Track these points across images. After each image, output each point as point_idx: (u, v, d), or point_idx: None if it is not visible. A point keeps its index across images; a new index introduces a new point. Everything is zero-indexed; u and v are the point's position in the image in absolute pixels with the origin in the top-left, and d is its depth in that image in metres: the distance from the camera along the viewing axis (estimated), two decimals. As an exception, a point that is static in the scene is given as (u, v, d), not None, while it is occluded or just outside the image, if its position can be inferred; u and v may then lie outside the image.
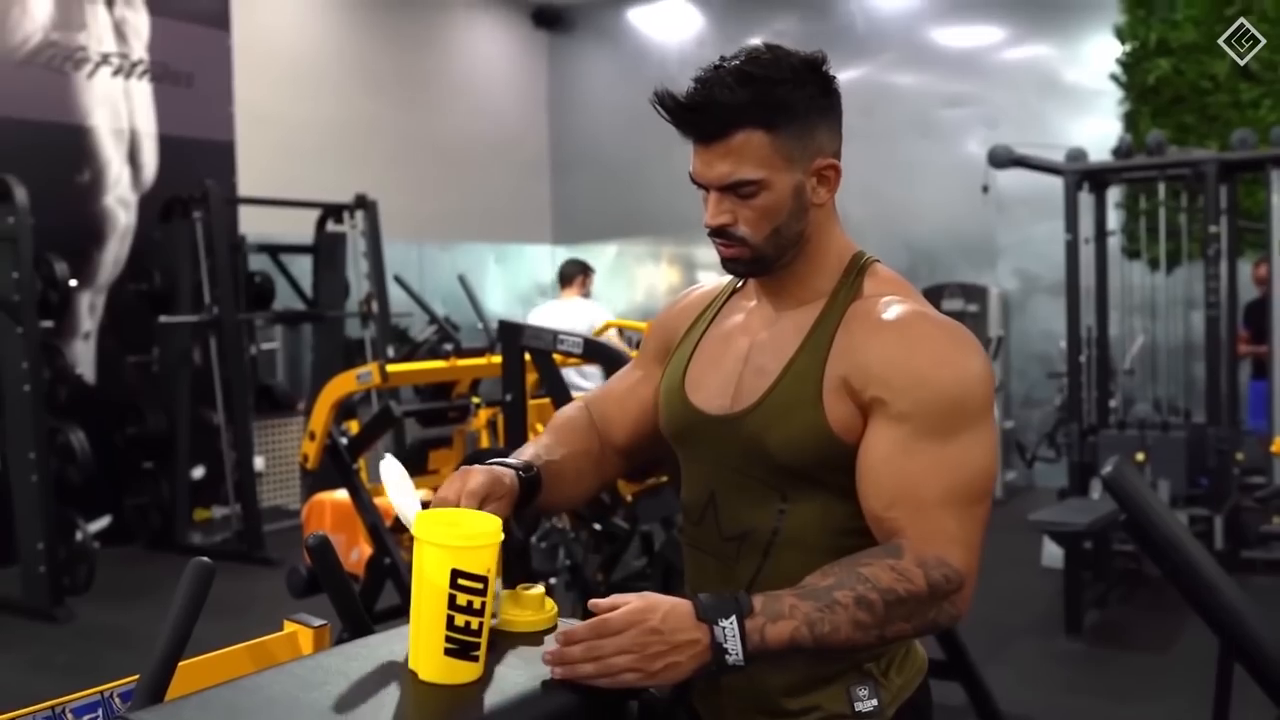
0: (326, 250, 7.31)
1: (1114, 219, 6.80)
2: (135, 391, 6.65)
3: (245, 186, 7.31)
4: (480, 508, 1.31)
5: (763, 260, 1.37)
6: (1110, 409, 6.06)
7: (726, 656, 1.16)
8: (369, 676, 1.15)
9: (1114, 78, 7.82)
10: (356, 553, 4.18)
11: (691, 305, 1.57)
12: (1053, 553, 5.48)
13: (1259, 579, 5.34)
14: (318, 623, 1.47)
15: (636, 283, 10.13)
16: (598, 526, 4.08)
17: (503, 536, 1.17)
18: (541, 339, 3.47)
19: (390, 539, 3.82)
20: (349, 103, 8.63)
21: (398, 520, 3.94)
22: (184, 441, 6.52)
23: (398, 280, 6.71)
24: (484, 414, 5.09)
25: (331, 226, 7.29)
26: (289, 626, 1.50)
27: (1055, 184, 6.10)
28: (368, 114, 8.74)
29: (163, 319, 6.42)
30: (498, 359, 4.00)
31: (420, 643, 1.14)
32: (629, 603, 1.16)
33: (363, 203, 7.15)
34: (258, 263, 7.21)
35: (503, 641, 1.22)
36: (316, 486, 4.82)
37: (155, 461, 6.57)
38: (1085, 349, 5.99)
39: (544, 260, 10.44)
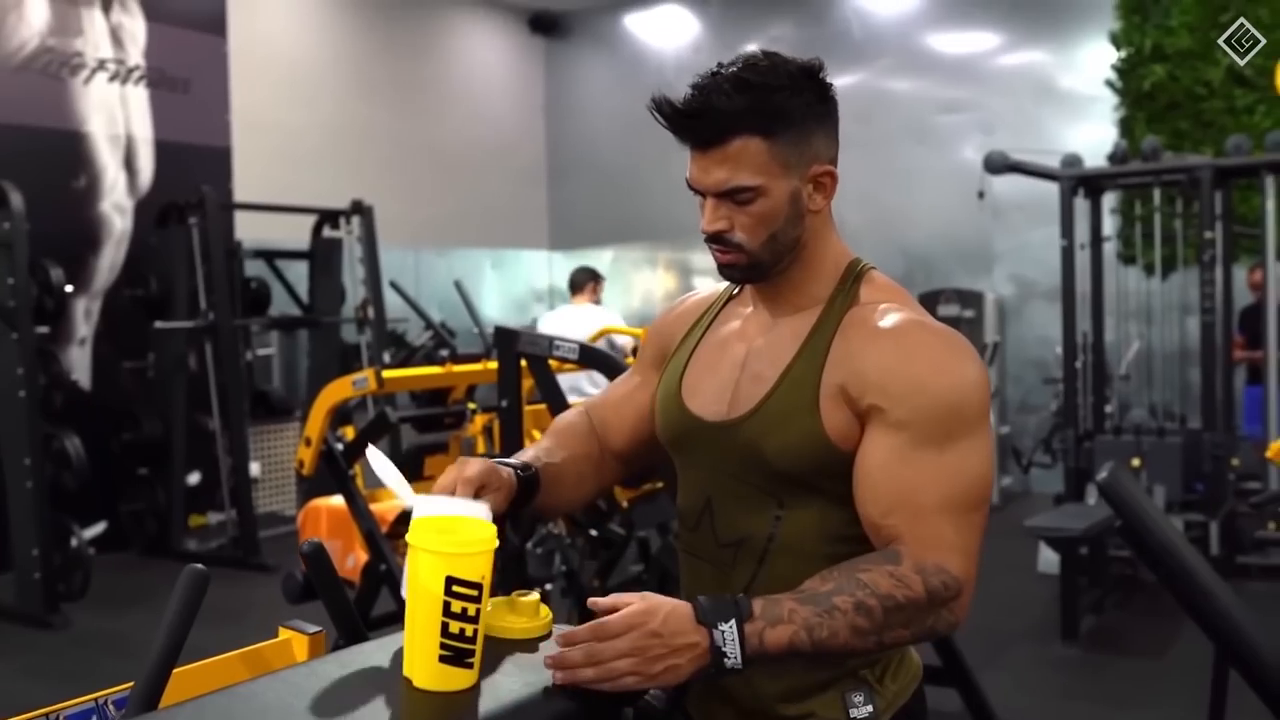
0: (323, 256, 7.31)
1: (1109, 224, 6.82)
2: (131, 397, 6.65)
3: (241, 192, 7.31)
4: (477, 497, 1.31)
5: (759, 266, 1.37)
6: (1106, 414, 6.07)
7: (725, 660, 1.16)
8: (364, 684, 1.15)
9: (1109, 84, 7.83)
10: (352, 559, 4.17)
11: (688, 311, 1.57)
12: (1049, 558, 5.48)
13: (1254, 584, 5.35)
14: (313, 629, 1.47)
15: (633, 288, 10.13)
16: (594, 532, 4.08)
17: (497, 543, 1.16)
18: (537, 345, 3.45)
19: (386, 545, 3.82)
20: (345, 108, 8.63)
21: (393, 526, 3.96)
22: (179, 447, 6.52)
23: (394, 286, 6.70)
24: (480, 420, 5.08)
25: (328, 232, 7.29)
26: (284, 633, 1.50)
27: (1051, 190, 6.11)
28: (364, 119, 8.74)
29: (158, 325, 6.41)
30: (494, 365, 4.00)
31: (415, 650, 1.14)
32: (629, 603, 1.16)
33: (359, 208, 7.16)
34: (254, 268, 7.21)
35: (498, 648, 1.21)
36: (312, 492, 4.82)
37: (151, 467, 6.56)
38: (1081, 354, 6.00)
39: (540, 266, 10.44)
